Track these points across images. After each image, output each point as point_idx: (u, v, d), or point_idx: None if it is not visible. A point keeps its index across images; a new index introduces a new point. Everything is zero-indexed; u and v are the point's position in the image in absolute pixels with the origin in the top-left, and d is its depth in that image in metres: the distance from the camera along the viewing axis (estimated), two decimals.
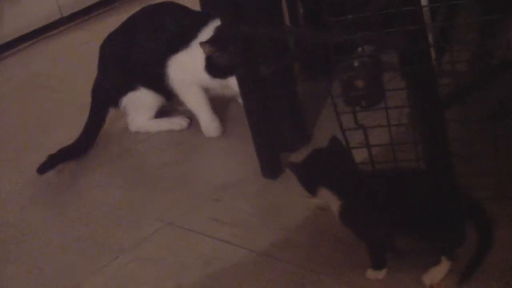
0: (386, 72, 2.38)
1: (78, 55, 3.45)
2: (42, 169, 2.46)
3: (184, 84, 2.50)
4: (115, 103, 2.61)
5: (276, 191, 2.15)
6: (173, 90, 2.54)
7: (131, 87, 2.58)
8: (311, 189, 1.73)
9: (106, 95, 2.62)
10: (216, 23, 2.44)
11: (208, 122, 2.51)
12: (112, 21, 3.69)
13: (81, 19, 3.80)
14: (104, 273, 1.99)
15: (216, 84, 2.47)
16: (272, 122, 2.20)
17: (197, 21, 2.50)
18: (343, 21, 1.71)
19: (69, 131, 2.75)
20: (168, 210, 2.18)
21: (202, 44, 2.38)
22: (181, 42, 2.49)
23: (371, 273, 1.74)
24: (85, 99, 2.71)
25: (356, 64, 2.36)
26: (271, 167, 2.19)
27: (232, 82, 2.35)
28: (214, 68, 2.42)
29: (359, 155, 1.87)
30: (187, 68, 2.48)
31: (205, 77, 2.46)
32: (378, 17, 1.70)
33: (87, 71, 3.21)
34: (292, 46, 2.52)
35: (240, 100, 2.52)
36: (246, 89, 2.13)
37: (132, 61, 2.56)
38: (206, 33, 2.44)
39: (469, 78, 2.22)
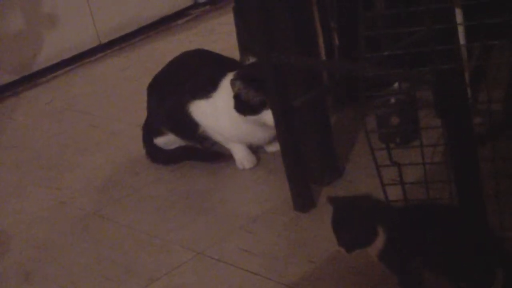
0: (421, 109, 2.37)
1: (114, 81, 3.50)
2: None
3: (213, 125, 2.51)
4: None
5: (306, 224, 2.14)
6: (203, 133, 2.54)
7: (160, 132, 2.62)
8: None
9: (148, 133, 2.68)
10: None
11: (242, 155, 2.51)
12: (147, 49, 3.76)
13: (118, 46, 3.86)
14: None
15: (248, 126, 2.44)
16: (305, 155, 2.20)
17: (222, 69, 2.49)
18: (378, 56, 1.71)
19: (102, 155, 2.79)
20: (199, 239, 2.18)
21: (231, 81, 2.37)
22: (203, 90, 2.48)
23: None
24: (119, 125, 2.73)
25: (392, 100, 2.36)
26: (302, 200, 2.19)
27: (267, 117, 2.32)
28: (243, 105, 2.37)
29: (392, 193, 1.87)
30: (209, 117, 2.48)
31: (227, 125, 2.46)
32: (412, 53, 1.70)
33: (122, 97, 3.26)
34: (325, 78, 2.53)
35: (269, 149, 2.53)
36: (278, 120, 2.14)
37: (161, 106, 2.59)
38: (227, 83, 2.41)
39: (503, 117, 2.21)
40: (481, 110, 2.21)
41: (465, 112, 1.71)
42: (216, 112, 2.46)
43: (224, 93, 2.43)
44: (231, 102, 2.39)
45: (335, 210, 1.69)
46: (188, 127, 2.54)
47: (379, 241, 1.66)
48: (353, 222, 1.66)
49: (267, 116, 2.28)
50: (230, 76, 2.41)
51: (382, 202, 1.77)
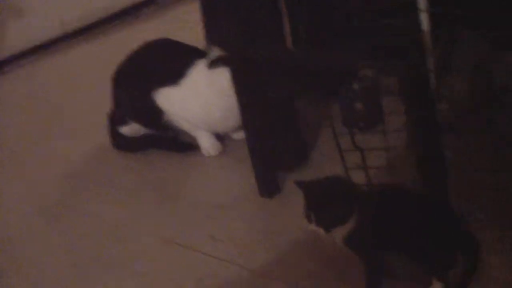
0: (385, 96, 2.39)
1: (80, 71, 3.47)
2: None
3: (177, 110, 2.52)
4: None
5: (272, 210, 2.16)
6: (167, 122, 2.54)
7: (124, 121, 2.62)
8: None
9: (113, 122, 2.68)
10: (204, 61, 2.44)
11: (207, 142, 2.52)
12: (113, 38, 3.73)
13: (84, 35, 3.83)
14: None
15: (218, 113, 2.45)
16: (270, 142, 2.21)
17: (188, 58, 2.50)
18: (344, 45, 1.73)
19: (68, 144, 2.78)
20: (166, 227, 2.18)
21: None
22: (169, 78, 2.48)
23: None
24: (85, 114, 2.72)
25: (356, 86, 2.38)
26: (268, 187, 2.21)
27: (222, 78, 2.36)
28: None
29: (356, 177, 1.89)
30: (176, 104, 2.48)
31: (196, 112, 2.46)
32: (377, 42, 1.71)
33: (87, 86, 3.24)
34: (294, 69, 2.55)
35: (235, 136, 2.55)
36: (245, 109, 2.15)
37: (125, 96, 2.59)
38: (195, 71, 2.45)
39: (467, 104, 2.24)
40: (445, 96, 2.23)
41: (428, 98, 1.73)
42: (185, 99, 2.46)
43: (195, 80, 2.44)
44: (202, 89, 2.41)
45: (307, 192, 1.70)
46: (152, 116, 2.54)
47: (352, 222, 1.68)
48: (331, 201, 1.67)
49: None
50: (199, 64, 2.43)
51: (353, 183, 1.79)
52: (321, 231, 1.66)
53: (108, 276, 2.02)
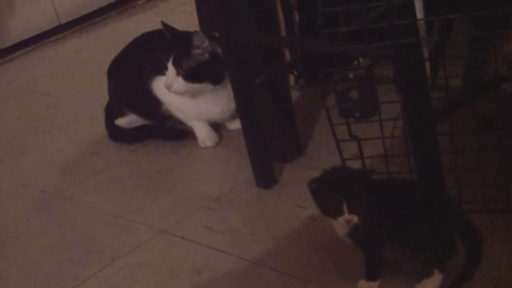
0: (381, 85, 2.39)
1: (75, 62, 3.47)
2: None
3: (173, 101, 2.51)
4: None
5: (268, 200, 2.16)
6: (165, 112, 2.53)
7: (121, 113, 2.62)
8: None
9: (109, 115, 2.68)
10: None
11: (203, 133, 2.52)
12: (108, 29, 3.73)
13: (78, 26, 3.82)
14: (95, 280, 1.99)
15: (203, 101, 2.45)
16: (266, 132, 2.21)
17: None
18: (336, 32, 1.72)
19: (64, 136, 2.78)
20: (161, 218, 2.18)
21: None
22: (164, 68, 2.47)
23: (363, 284, 1.74)
24: (80, 105, 2.70)
25: (351, 75, 2.37)
26: (264, 177, 2.20)
27: None
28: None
29: (352, 167, 1.88)
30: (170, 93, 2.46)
31: (185, 100, 2.46)
32: (372, 29, 1.71)
33: (82, 78, 3.24)
34: (286, 55, 2.54)
35: (231, 127, 2.54)
36: (239, 97, 2.14)
37: (123, 87, 2.58)
38: None
39: (461, 93, 2.24)
40: (440, 85, 2.23)
41: (423, 87, 1.73)
42: None
43: None
44: None
45: (332, 183, 1.65)
46: (151, 106, 2.53)
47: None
48: (358, 188, 1.63)
49: None
50: None
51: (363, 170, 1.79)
52: (354, 219, 1.62)
53: (104, 268, 2.02)
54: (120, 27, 3.75)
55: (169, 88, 2.36)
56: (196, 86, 2.36)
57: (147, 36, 2.62)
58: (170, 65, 2.34)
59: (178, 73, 2.33)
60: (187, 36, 2.34)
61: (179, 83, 2.34)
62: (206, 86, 2.38)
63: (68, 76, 3.33)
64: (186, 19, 3.45)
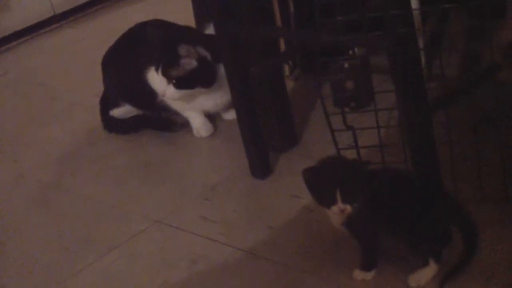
0: (376, 75, 2.39)
1: (70, 53, 3.46)
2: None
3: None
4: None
5: (264, 190, 2.16)
6: (161, 102, 2.53)
7: (116, 104, 2.61)
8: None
9: (104, 106, 2.68)
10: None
11: (198, 123, 2.52)
12: (103, 20, 3.72)
13: (74, 17, 3.81)
14: (91, 270, 1.99)
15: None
16: (261, 122, 2.21)
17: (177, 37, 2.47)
18: (332, 22, 1.72)
19: (59, 126, 2.77)
20: (157, 208, 2.18)
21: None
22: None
23: (358, 274, 1.75)
24: (75, 96, 2.69)
25: (346, 65, 2.37)
26: (259, 167, 2.21)
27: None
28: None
29: (348, 157, 1.88)
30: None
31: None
32: (367, 19, 1.71)
33: (78, 68, 3.23)
34: (281, 46, 2.54)
35: (226, 117, 2.54)
36: (235, 88, 2.14)
37: (118, 78, 2.58)
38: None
39: (457, 83, 2.24)
40: (436, 75, 2.23)
41: (418, 77, 1.73)
42: None
43: None
44: None
45: (327, 172, 1.65)
46: (146, 97, 2.53)
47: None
48: (353, 177, 1.63)
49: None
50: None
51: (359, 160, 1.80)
52: (348, 208, 1.62)
53: (100, 258, 2.02)
54: (116, 17, 3.74)
55: (163, 96, 2.40)
56: (189, 91, 2.39)
57: (142, 26, 2.62)
58: (160, 75, 2.36)
59: (169, 82, 2.35)
60: (174, 44, 2.35)
61: (171, 91, 2.37)
62: (199, 90, 2.40)
63: (64, 66, 3.32)
64: (181, 10, 3.44)
